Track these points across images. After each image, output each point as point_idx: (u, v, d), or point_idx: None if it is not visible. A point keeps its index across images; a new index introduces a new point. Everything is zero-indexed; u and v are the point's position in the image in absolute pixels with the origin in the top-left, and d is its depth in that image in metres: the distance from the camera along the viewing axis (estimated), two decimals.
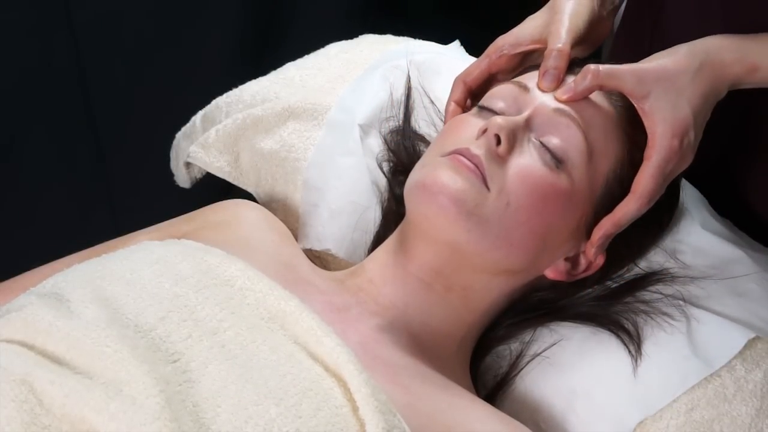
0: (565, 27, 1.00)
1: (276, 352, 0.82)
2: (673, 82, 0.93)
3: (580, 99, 0.96)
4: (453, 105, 1.05)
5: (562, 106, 0.96)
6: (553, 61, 0.98)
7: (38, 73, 1.61)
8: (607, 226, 0.96)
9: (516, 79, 1.01)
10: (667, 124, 0.93)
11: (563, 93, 0.96)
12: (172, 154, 1.30)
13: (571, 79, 0.97)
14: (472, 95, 1.05)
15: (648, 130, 0.94)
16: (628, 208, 0.95)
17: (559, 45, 0.98)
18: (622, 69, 0.94)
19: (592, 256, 0.98)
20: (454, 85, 1.06)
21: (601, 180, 0.97)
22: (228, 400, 0.77)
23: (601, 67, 0.94)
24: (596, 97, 0.98)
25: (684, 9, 1.13)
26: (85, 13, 1.60)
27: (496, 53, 1.04)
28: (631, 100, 0.95)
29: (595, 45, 1.08)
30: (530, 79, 0.99)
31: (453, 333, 0.99)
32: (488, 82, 1.05)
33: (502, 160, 0.94)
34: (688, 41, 1.06)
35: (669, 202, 1.05)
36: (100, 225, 1.67)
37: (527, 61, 1.05)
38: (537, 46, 1.02)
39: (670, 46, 1.14)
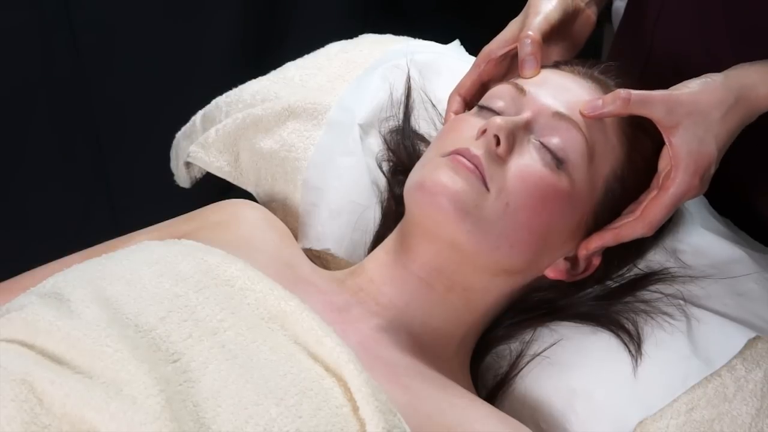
0: (537, 18, 1.01)
1: (276, 352, 0.82)
2: (705, 117, 0.92)
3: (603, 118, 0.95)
4: (452, 116, 1.05)
5: (561, 109, 0.96)
6: (526, 48, 1.00)
7: (38, 74, 1.61)
8: (607, 238, 0.97)
9: (513, 80, 1.01)
10: (692, 159, 0.92)
11: (588, 110, 0.94)
12: (172, 154, 1.30)
13: (597, 97, 0.95)
14: (469, 107, 1.06)
15: (672, 160, 0.93)
16: (635, 231, 0.96)
17: (529, 32, 1.00)
18: (653, 97, 0.92)
19: (583, 257, 0.99)
20: (450, 98, 1.07)
21: (601, 181, 0.97)
22: (228, 400, 0.77)
23: (633, 93, 0.92)
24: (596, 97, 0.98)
25: (685, 8, 1.13)
26: (85, 13, 1.60)
27: (484, 60, 1.05)
28: (658, 127, 0.94)
29: (579, 38, 1.08)
30: (526, 81, 0.99)
31: (453, 333, 0.99)
32: (482, 91, 1.06)
33: (501, 160, 0.93)
34: (689, 41, 1.06)
35: None
36: (100, 225, 1.67)
37: (516, 64, 1.05)
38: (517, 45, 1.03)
39: (672, 46, 1.14)
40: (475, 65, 1.06)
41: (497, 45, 1.05)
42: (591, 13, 1.08)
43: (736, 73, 0.96)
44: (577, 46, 1.09)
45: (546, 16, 1.02)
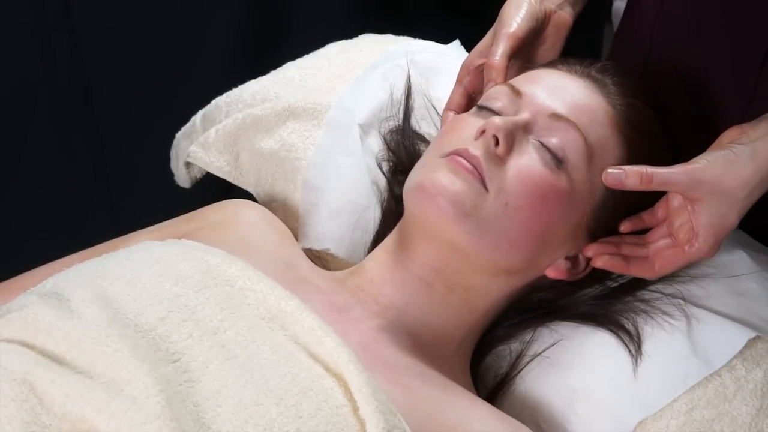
0: (503, 39, 1.03)
1: (276, 352, 0.82)
2: (728, 196, 0.92)
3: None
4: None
5: (559, 110, 0.96)
6: (489, 74, 1.02)
7: (38, 73, 1.61)
8: (616, 266, 0.98)
9: (509, 81, 1.01)
10: (713, 230, 0.92)
11: (610, 180, 0.93)
12: (172, 154, 1.30)
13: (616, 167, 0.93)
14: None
15: (694, 226, 0.93)
16: (642, 274, 0.97)
17: (494, 59, 1.02)
18: (674, 177, 0.91)
19: (582, 258, 0.99)
20: (443, 117, 1.08)
21: (600, 181, 0.97)
22: (228, 399, 0.77)
23: (656, 174, 0.91)
24: (594, 97, 0.98)
25: (683, 8, 1.13)
26: (85, 12, 1.60)
27: (465, 73, 1.07)
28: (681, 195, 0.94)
29: (555, 40, 1.09)
30: (523, 83, 1.00)
31: (454, 333, 0.99)
32: (471, 103, 1.07)
33: (500, 160, 0.94)
34: (688, 40, 1.06)
35: None
36: (100, 225, 1.67)
37: None
38: None
39: (671, 46, 1.14)
40: (457, 80, 1.08)
41: (474, 56, 1.07)
42: (565, 14, 1.09)
43: (763, 145, 0.93)
44: (554, 48, 1.10)
45: (513, 33, 1.03)
